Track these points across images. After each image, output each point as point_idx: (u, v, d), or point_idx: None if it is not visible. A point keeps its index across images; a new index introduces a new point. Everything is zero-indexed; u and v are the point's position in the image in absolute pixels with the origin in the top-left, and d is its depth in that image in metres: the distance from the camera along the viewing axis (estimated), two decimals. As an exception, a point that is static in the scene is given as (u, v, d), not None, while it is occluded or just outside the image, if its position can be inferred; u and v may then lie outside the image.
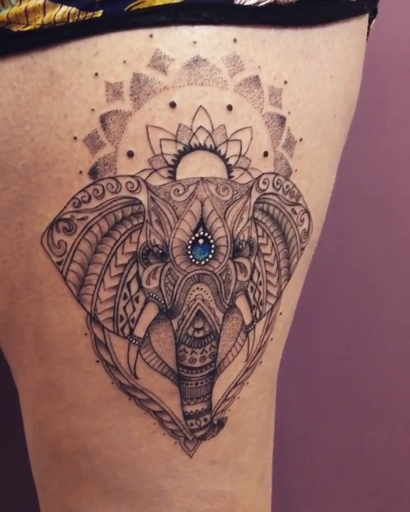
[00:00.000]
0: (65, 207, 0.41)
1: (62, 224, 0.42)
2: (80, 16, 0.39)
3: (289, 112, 0.43)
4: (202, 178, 0.41)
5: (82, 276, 0.42)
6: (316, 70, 0.44)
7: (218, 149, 0.41)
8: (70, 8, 0.39)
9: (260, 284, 0.44)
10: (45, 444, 0.48)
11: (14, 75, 0.41)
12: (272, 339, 0.47)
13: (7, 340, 0.48)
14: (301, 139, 0.44)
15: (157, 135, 0.40)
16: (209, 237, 0.42)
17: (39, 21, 0.40)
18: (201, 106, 0.40)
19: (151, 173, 0.40)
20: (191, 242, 0.41)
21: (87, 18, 0.39)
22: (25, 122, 0.41)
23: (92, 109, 0.40)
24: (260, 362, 0.47)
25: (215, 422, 0.46)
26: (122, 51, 0.39)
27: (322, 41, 0.44)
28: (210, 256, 0.42)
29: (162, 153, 0.40)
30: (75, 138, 0.40)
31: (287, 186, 0.44)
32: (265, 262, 0.44)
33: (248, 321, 0.45)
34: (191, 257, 0.42)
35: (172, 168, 0.40)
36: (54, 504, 0.50)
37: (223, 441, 0.47)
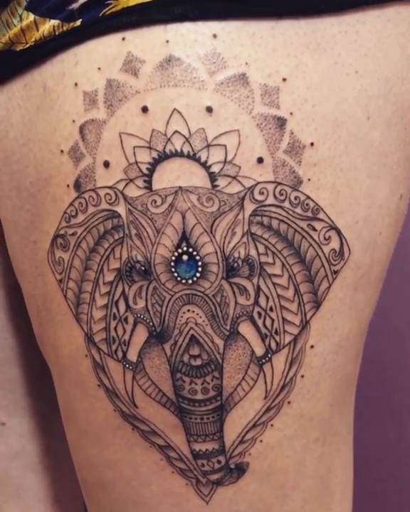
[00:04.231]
0: (59, 222, 0.40)
1: (59, 240, 0.41)
2: (64, 28, 0.39)
3: (291, 113, 0.37)
4: (181, 188, 0.37)
5: (78, 294, 0.41)
6: (331, 64, 0.38)
7: (197, 155, 0.37)
8: (55, 21, 0.39)
9: (271, 309, 0.39)
10: (78, 471, 0.47)
11: (20, 94, 0.42)
12: (303, 376, 0.41)
13: (46, 361, 0.47)
14: (312, 144, 0.38)
15: (131, 142, 0.37)
16: (194, 253, 0.38)
17: (33, 38, 0.40)
18: (175, 109, 0.37)
19: (127, 184, 0.38)
20: (174, 258, 0.38)
21: (68, 29, 0.39)
22: (29, 140, 0.41)
23: (73, 121, 0.39)
24: (288, 402, 0.41)
25: (232, 466, 0.41)
26: (97, 58, 0.38)
27: (339, 31, 0.38)
28: (197, 274, 0.38)
29: (136, 162, 0.37)
30: (62, 151, 0.39)
31: (296, 198, 0.38)
32: (274, 284, 0.39)
33: (259, 351, 0.39)
34: (175, 274, 0.38)
35: (148, 178, 0.37)
36: None
37: (247, 489, 0.42)
